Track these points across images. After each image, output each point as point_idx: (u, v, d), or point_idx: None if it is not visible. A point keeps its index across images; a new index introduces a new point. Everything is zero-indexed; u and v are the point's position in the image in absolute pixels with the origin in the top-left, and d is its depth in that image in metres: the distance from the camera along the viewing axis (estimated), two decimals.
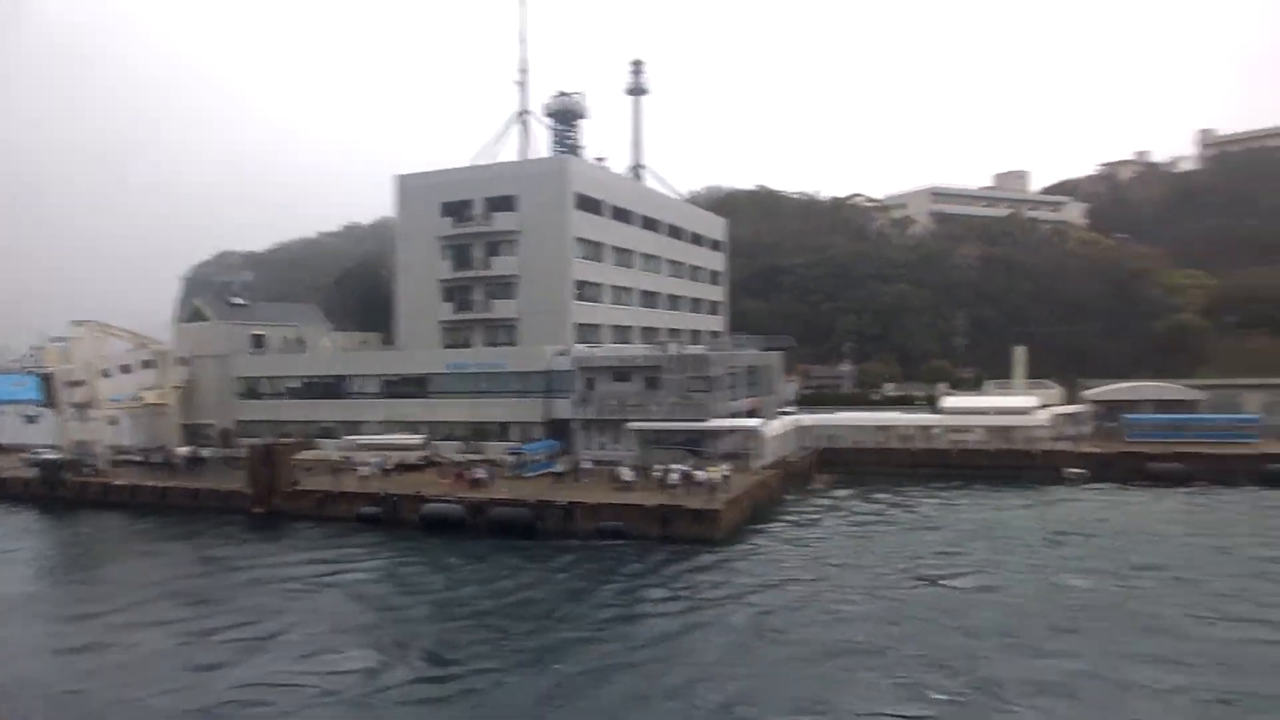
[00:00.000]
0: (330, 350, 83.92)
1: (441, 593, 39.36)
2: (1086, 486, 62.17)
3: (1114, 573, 39.60)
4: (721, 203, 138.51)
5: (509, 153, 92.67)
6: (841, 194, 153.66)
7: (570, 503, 50.35)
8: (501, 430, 68.35)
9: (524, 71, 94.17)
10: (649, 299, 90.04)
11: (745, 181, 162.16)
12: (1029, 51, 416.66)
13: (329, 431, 72.56)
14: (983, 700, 26.08)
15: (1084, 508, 55.14)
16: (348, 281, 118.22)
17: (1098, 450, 68.23)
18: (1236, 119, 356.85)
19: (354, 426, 71.29)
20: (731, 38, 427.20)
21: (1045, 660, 29.08)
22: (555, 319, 75.61)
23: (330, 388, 75.11)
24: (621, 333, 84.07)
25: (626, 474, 53.98)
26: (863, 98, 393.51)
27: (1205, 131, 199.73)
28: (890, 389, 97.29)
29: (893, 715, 25.47)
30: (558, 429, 66.57)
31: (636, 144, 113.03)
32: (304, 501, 57.32)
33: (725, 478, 51.93)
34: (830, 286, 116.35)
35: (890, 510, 55.25)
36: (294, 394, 76.57)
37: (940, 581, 38.86)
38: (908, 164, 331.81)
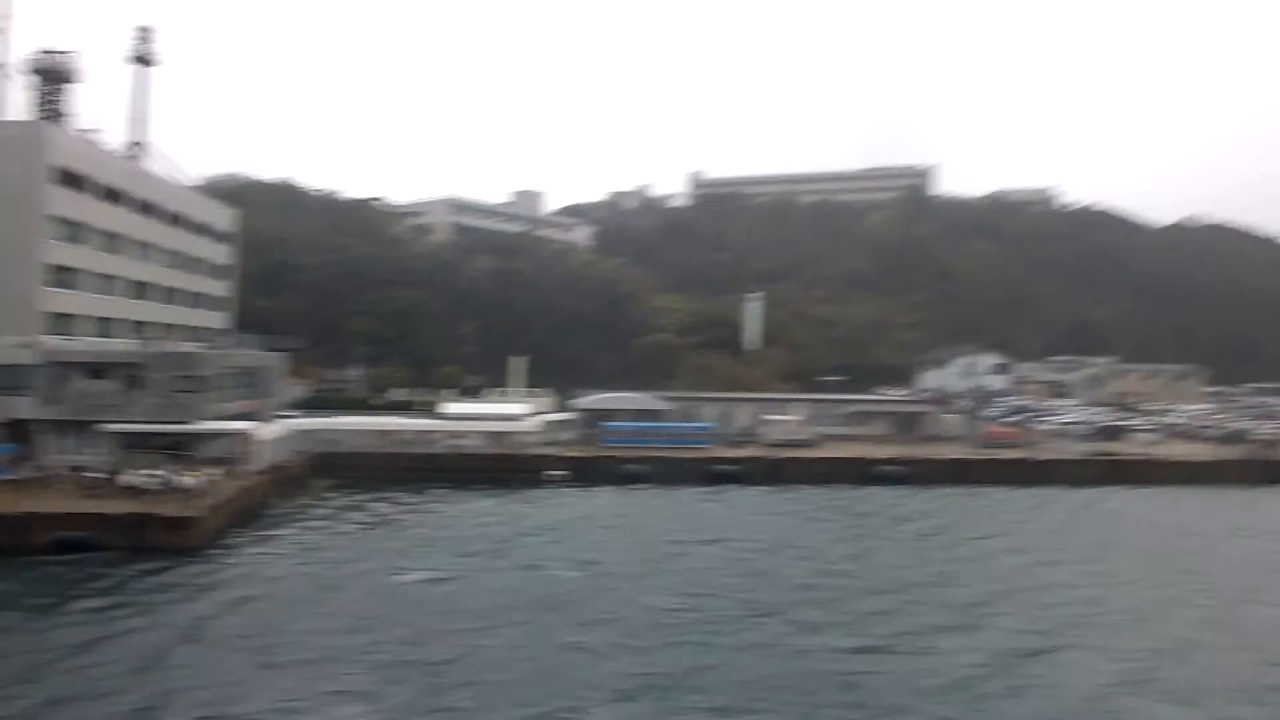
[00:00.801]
0: None
1: None
2: (567, 488, 68.22)
3: (571, 564, 44.23)
4: (238, 193, 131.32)
5: None
6: (364, 196, 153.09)
7: (24, 514, 45.37)
8: None
9: (6, 18, 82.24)
10: (140, 290, 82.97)
11: (267, 173, 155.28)
12: (555, 81, 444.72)
13: None
14: (424, 698, 27.91)
15: (560, 507, 60.61)
16: None
17: (580, 455, 75.00)
18: (721, 164, 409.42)
19: None
20: (263, 26, 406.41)
21: (492, 648, 31.95)
22: (19, 307, 66.84)
23: None
24: (105, 326, 76.56)
25: (120, 480, 49.73)
26: (392, 104, 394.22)
27: (695, 173, 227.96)
28: (401, 394, 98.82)
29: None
30: (18, 431, 59.24)
31: (139, 119, 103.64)
32: None
33: (210, 483, 49.95)
34: (346, 288, 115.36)
35: (383, 514, 56.52)
36: None
37: (415, 582, 40.73)
38: (432, 174, 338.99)
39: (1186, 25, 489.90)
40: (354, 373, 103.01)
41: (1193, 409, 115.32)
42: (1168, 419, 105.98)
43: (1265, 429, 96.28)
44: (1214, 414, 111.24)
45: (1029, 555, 49.05)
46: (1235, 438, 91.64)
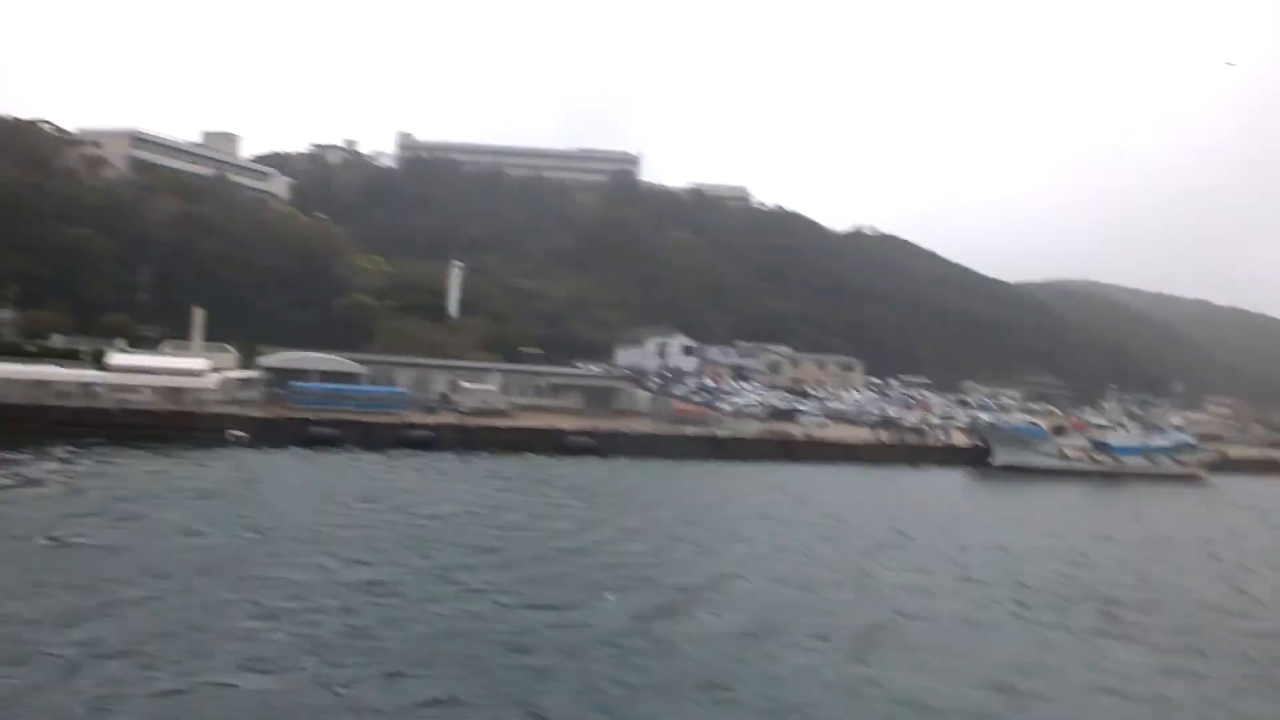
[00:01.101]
0: None
1: None
2: (247, 449, 64.82)
3: (234, 529, 42.05)
4: None
5: None
6: (25, 116, 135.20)
7: None
8: None
9: None
10: None
11: None
12: (258, 21, 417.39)
13: None
14: (50, 677, 25.60)
15: (235, 470, 57.43)
16: None
17: (264, 415, 71.48)
18: (428, 127, 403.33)
19: None
20: None
21: (129, 618, 29.83)
22: None
23: None
24: None
25: None
26: (69, 16, 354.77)
27: (404, 134, 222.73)
28: (60, 341, 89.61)
29: None
30: None
31: None
32: None
33: None
34: None
35: (26, 474, 50.98)
36: None
37: (49, 548, 37.07)
38: (111, 101, 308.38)
39: (865, 50, 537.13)
40: (3, 315, 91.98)
41: (854, 396, 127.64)
42: (832, 404, 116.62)
43: (912, 417, 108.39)
44: (872, 402, 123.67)
45: (694, 524, 52.41)
46: (887, 424, 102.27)
